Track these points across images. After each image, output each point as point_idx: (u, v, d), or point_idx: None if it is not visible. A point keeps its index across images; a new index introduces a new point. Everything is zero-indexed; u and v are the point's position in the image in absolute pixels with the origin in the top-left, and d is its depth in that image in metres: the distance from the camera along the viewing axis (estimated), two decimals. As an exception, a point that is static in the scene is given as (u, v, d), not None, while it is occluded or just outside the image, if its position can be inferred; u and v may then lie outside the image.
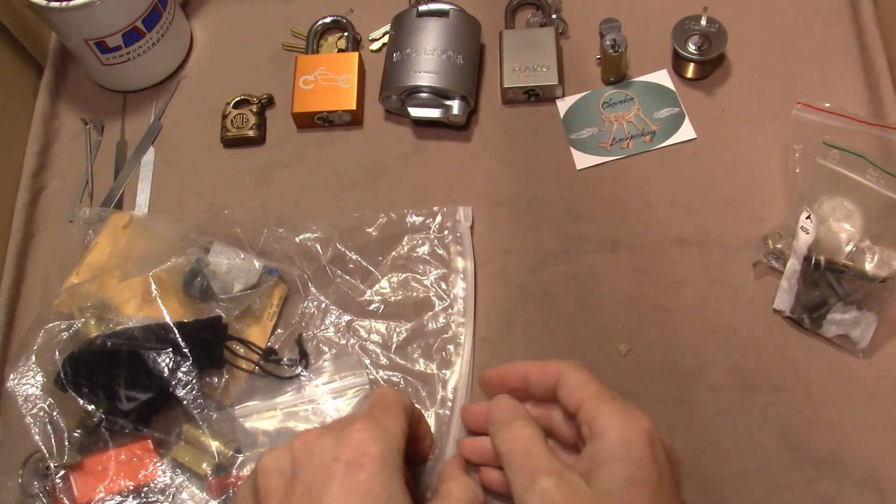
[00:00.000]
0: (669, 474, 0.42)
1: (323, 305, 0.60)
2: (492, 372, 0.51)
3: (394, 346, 0.58)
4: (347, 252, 0.61)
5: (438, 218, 0.62)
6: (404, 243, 0.61)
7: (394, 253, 0.61)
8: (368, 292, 0.60)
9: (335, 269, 0.61)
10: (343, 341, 0.58)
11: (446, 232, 0.61)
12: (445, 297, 0.59)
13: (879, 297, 0.54)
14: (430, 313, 0.59)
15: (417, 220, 0.62)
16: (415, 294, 0.60)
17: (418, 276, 0.60)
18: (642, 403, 0.55)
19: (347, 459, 0.40)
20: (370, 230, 0.61)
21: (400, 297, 0.60)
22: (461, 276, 0.60)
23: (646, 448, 0.41)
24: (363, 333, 0.59)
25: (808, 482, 0.52)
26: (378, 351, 0.58)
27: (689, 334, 0.57)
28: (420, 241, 0.61)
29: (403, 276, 0.60)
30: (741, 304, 0.58)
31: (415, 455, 0.51)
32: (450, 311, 0.59)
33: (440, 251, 0.61)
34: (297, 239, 0.61)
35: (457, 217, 0.62)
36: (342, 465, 0.40)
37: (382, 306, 0.59)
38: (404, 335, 0.58)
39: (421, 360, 0.57)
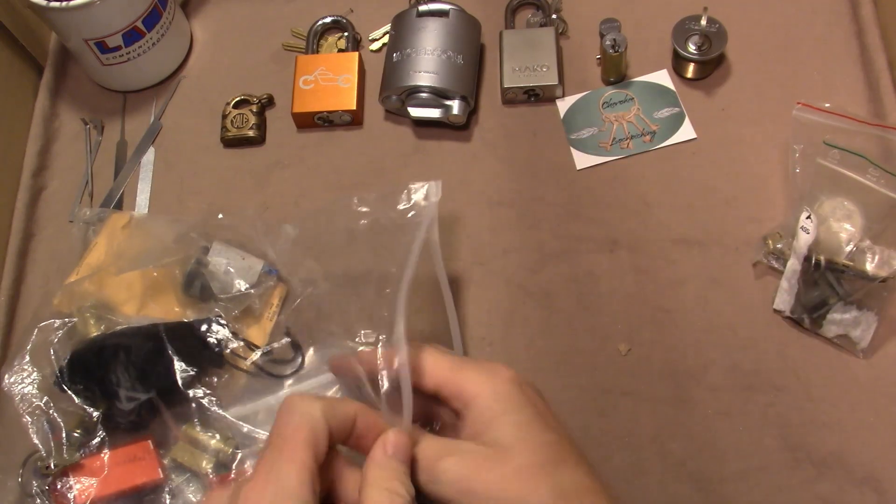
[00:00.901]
0: (544, 405, 0.43)
1: (321, 304, 0.59)
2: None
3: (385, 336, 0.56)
4: (323, 250, 0.58)
5: (402, 197, 0.56)
6: (372, 228, 0.56)
7: (371, 239, 0.56)
8: (350, 283, 0.57)
9: (328, 268, 0.59)
10: (340, 338, 0.58)
11: (412, 211, 0.55)
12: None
13: (880, 297, 0.54)
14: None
15: (383, 202, 0.56)
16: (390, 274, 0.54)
17: (389, 260, 0.54)
18: (642, 403, 0.55)
19: None
20: (343, 222, 0.57)
21: (379, 283, 0.55)
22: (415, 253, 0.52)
23: (517, 393, 0.42)
24: (359, 328, 0.57)
25: (808, 482, 0.52)
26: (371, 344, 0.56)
27: (689, 334, 0.57)
28: (387, 225, 0.56)
29: (380, 261, 0.55)
30: (741, 304, 0.58)
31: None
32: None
33: (403, 231, 0.54)
34: (279, 242, 0.60)
35: (423, 193, 0.55)
36: None
37: (370, 296, 0.57)
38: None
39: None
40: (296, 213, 0.65)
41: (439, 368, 0.43)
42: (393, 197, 0.56)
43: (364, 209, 0.57)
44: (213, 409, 0.55)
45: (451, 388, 0.42)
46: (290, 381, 0.57)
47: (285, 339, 0.58)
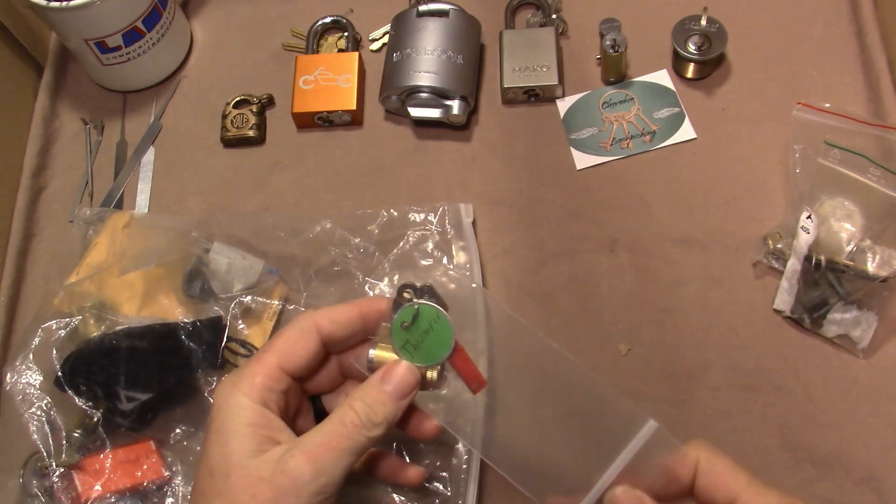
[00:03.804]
0: None
1: (325, 305, 0.59)
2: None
3: None
4: (349, 251, 0.61)
5: (440, 215, 0.61)
6: (406, 240, 0.61)
7: (396, 250, 0.60)
8: (372, 291, 0.59)
9: (337, 269, 0.60)
10: None
11: (448, 227, 0.61)
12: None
13: (880, 297, 0.54)
14: None
15: (419, 217, 0.61)
16: None
17: (421, 274, 0.59)
18: (642, 403, 0.55)
19: (210, 413, 0.42)
20: (371, 228, 0.61)
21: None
22: (467, 272, 0.59)
23: None
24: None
25: (808, 482, 0.52)
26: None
27: (689, 334, 0.57)
28: (422, 238, 0.60)
29: (407, 272, 0.60)
30: (741, 304, 0.58)
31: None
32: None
33: (443, 247, 0.60)
34: (297, 239, 0.61)
35: (458, 214, 0.61)
36: (209, 420, 0.42)
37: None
38: None
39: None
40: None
41: (736, 483, 0.40)
42: (425, 217, 0.61)
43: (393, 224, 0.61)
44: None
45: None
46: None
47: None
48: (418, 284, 0.44)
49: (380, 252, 0.61)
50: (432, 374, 0.44)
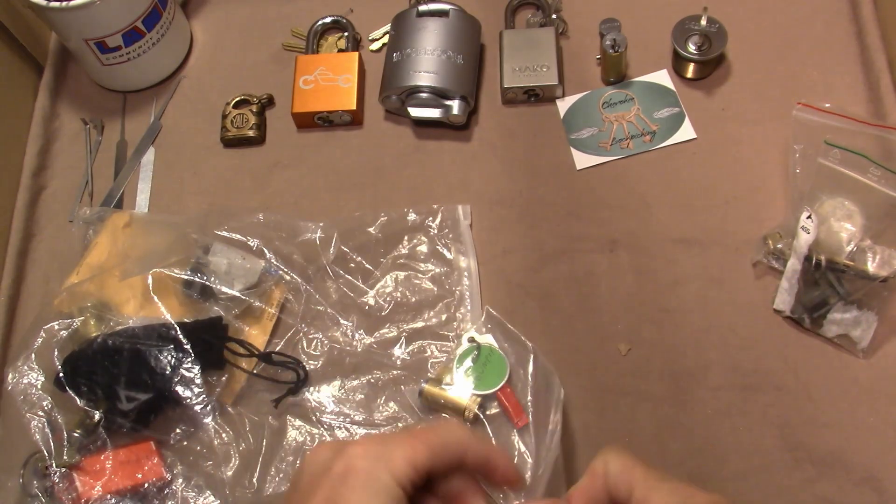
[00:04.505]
0: None
1: (323, 306, 0.59)
2: None
3: (398, 345, 0.58)
4: (348, 252, 0.61)
5: (438, 217, 0.62)
6: (405, 242, 0.61)
7: (394, 252, 0.61)
8: (370, 292, 0.60)
9: (336, 269, 0.61)
10: (347, 343, 0.58)
11: (446, 230, 0.61)
12: (449, 294, 0.59)
13: (880, 297, 0.54)
14: (434, 311, 0.59)
15: (417, 218, 0.62)
16: (417, 292, 0.60)
17: (420, 275, 0.60)
18: (642, 403, 0.55)
19: (336, 472, 0.40)
20: (370, 230, 0.61)
21: (402, 296, 0.59)
22: (465, 273, 0.60)
23: None
24: (367, 333, 0.58)
25: (808, 482, 0.52)
26: (382, 350, 0.58)
27: (689, 334, 0.57)
28: (420, 240, 0.61)
29: (405, 274, 0.60)
30: (741, 304, 0.58)
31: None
32: (454, 308, 0.59)
33: (441, 249, 0.61)
34: (297, 240, 0.61)
35: (456, 215, 0.62)
36: (330, 477, 0.40)
37: (385, 305, 0.59)
38: (407, 334, 0.58)
39: (426, 359, 0.57)
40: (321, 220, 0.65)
41: (632, 474, 0.41)
42: (423, 219, 0.62)
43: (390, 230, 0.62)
44: (215, 409, 0.55)
45: (640, 498, 0.40)
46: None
47: (296, 347, 0.59)
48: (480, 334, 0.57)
49: (378, 253, 0.61)
50: (471, 408, 0.53)
